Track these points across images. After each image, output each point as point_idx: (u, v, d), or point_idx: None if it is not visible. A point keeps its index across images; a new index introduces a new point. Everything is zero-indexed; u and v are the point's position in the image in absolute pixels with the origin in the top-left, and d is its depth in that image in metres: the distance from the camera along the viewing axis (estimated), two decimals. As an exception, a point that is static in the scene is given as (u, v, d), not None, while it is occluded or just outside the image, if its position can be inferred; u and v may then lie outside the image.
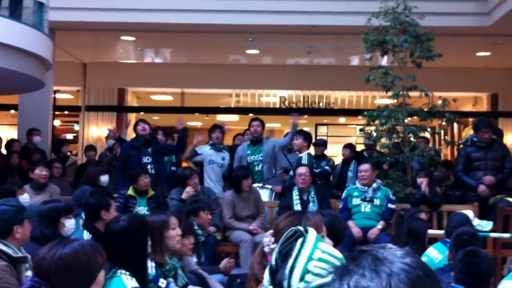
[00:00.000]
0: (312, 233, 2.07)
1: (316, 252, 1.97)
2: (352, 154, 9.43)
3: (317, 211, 2.97)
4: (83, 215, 5.04)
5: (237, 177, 6.88)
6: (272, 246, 2.66)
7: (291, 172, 7.55)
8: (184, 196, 6.61)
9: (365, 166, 6.97)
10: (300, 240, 2.03)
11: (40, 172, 7.30)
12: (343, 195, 7.01)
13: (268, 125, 9.73)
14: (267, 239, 2.73)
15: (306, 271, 1.94)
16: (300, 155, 7.58)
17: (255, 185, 7.17)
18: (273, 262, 2.08)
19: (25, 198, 6.12)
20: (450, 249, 4.07)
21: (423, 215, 5.54)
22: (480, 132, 7.30)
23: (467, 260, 3.33)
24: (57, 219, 4.37)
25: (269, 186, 7.57)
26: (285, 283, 1.98)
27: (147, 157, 7.73)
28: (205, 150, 7.94)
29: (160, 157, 7.95)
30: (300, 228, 2.10)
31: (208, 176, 7.89)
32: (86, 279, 2.47)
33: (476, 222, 5.99)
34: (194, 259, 5.58)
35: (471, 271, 3.30)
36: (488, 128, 7.34)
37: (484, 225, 6.24)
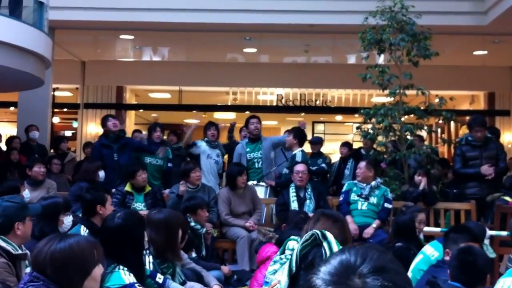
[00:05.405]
0: (332, 239, 2.14)
1: None
2: (350, 152, 9.49)
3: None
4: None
5: (232, 174, 6.90)
6: None
7: (285, 170, 7.57)
8: (179, 191, 6.66)
9: (361, 164, 7.03)
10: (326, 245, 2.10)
11: (38, 169, 7.34)
12: (345, 188, 7.01)
13: (265, 123, 9.80)
14: None
15: None
16: (293, 152, 7.55)
17: (249, 182, 7.19)
18: (293, 265, 2.11)
19: (26, 193, 6.28)
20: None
21: (422, 216, 5.52)
22: (474, 131, 7.28)
23: (463, 258, 3.35)
24: (57, 215, 4.40)
25: (263, 183, 7.57)
26: None
27: (116, 153, 7.61)
28: (202, 145, 8.00)
29: (128, 151, 7.75)
30: (317, 231, 2.17)
31: (205, 170, 7.84)
32: (81, 273, 2.51)
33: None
34: (193, 254, 5.65)
35: (467, 269, 3.32)
36: (481, 127, 7.29)
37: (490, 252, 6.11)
